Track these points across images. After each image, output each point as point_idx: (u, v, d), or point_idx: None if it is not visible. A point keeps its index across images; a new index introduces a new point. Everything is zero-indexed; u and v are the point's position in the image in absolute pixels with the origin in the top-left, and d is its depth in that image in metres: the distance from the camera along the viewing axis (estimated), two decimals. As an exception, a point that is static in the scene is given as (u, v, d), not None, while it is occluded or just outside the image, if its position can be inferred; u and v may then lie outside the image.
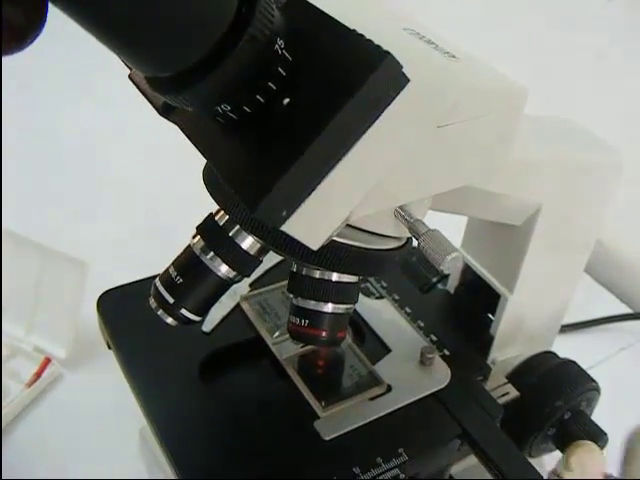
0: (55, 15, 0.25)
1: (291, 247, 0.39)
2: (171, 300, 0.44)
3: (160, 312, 0.44)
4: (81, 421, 0.73)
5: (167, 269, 0.45)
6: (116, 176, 1.05)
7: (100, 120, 1.13)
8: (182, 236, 0.47)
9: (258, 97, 0.31)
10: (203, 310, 0.45)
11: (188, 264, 0.44)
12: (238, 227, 0.43)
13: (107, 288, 0.62)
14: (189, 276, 0.44)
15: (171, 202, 0.97)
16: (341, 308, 0.45)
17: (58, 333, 0.78)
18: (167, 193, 1.00)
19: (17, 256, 0.77)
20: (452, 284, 0.66)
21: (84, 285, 0.75)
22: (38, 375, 0.76)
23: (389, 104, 0.30)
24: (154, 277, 0.46)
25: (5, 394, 0.73)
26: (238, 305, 0.61)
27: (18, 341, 0.79)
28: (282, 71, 0.31)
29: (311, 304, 0.44)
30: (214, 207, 0.44)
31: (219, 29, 0.28)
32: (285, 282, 0.47)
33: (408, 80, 0.30)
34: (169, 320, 0.44)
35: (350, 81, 0.29)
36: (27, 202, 0.97)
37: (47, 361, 0.77)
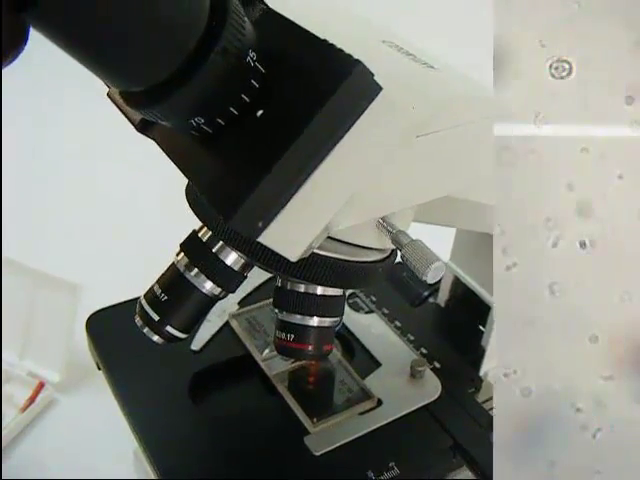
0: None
1: (273, 261, 0.39)
2: (156, 318, 0.43)
3: (146, 330, 0.44)
4: (76, 445, 0.73)
5: (152, 287, 0.45)
6: (109, 194, 1.05)
7: (96, 138, 1.14)
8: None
9: (232, 109, 0.31)
10: (189, 327, 0.45)
11: (172, 281, 0.44)
12: (221, 243, 0.43)
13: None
14: (174, 293, 0.44)
15: (167, 221, 0.96)
16: (327, 321, 0.44)
17: (52, 357, 0.78)
18: (162, 212, 1.00)
19: (9, 280, 0.77)
20: (443, 297, 0.66)
21: (77, 308, 0.75)
22: (32, 400, 0.76)
23: (362, 113, 0.30)
24: None
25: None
26: (227, 323, 0.61)
27: (12, 366, 0.79)
28: (255, 83, 0.31)
29: (296, 318, 0.44)
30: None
31: (190, 43, 0.28)
32: None
33: (381, 88, 0.30)
34: (155, 338, 0.44)
35: (321, 91, 0.29)
36: (17, 224, 0.97)
37: (41, 385, 0.77)
